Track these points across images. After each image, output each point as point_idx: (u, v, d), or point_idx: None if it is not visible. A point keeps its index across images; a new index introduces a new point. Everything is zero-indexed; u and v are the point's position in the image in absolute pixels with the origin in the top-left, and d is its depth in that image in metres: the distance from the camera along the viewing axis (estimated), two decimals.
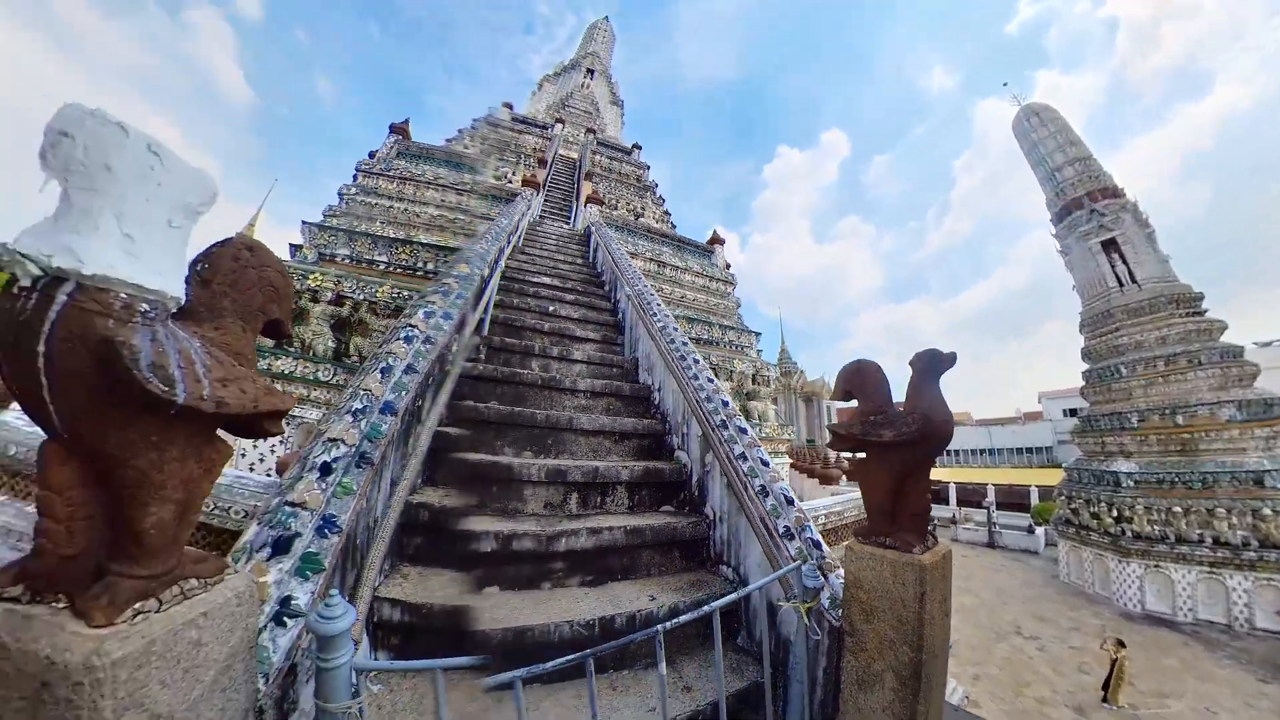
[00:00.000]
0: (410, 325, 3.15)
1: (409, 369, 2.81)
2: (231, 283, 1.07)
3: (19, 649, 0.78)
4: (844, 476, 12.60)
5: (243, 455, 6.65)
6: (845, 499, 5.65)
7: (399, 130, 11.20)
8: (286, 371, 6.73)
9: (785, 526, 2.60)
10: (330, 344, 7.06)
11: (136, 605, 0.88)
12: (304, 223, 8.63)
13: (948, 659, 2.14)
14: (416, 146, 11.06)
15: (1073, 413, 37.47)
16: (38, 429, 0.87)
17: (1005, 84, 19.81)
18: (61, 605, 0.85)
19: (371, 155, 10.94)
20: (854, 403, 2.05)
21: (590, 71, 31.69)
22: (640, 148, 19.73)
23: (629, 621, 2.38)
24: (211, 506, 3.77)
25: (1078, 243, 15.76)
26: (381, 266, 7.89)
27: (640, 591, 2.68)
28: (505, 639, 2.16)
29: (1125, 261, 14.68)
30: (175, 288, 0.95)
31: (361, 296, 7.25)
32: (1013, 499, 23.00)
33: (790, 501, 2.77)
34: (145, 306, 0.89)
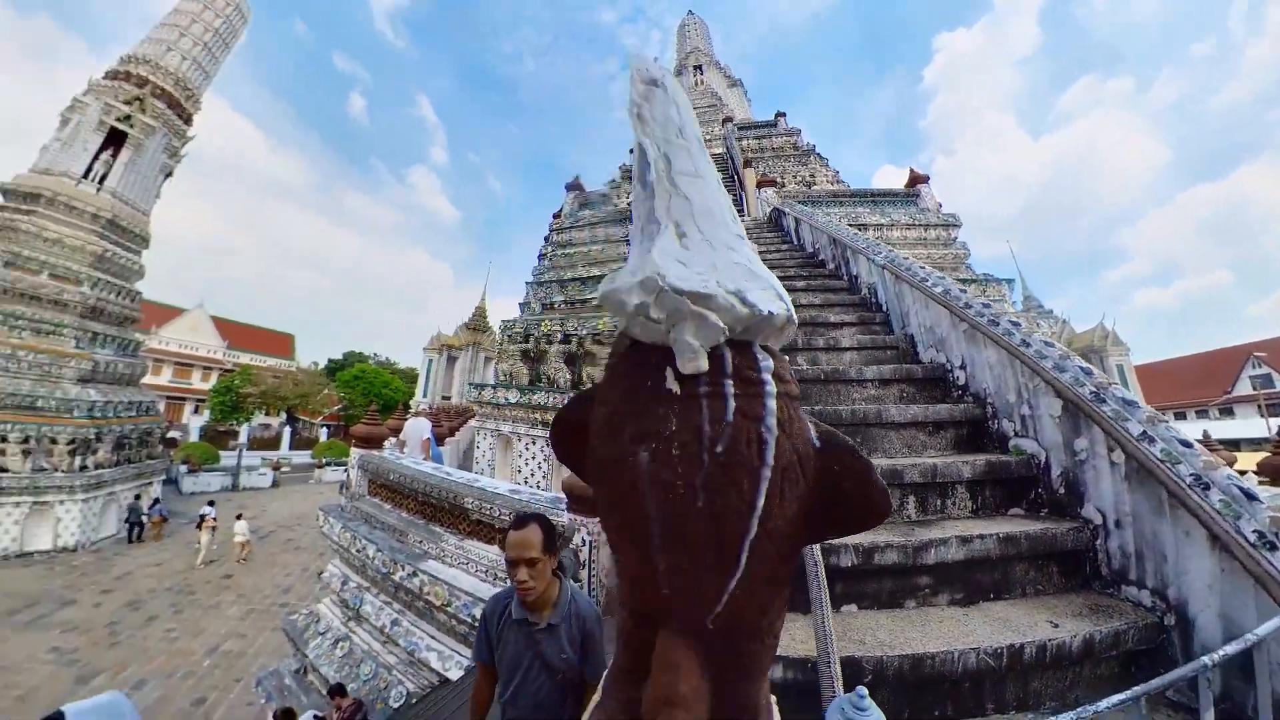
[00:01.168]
0: None
1: None
2: None
3: None
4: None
5: (518, 471, 7.95)
6: None
7: (574, 187, 12.45)
8: (541, 403, 7.80)
9: (1256, 532, 1.87)
10: (568, 376, 7.97)
11: None
12: (526, 282, 10.14)
13: None
14: (595, 195, 12.18)
15: None
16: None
17: None
18: None
19: (556, 215, 12.43)
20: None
21: (698, 68, 31.20)
22: (784, 115, 18.31)
23: (1039, 652, 2.01)
24: (486, 509, 4.63)
25: None
26: (594, 303, 8.67)
27: (1030, 615, 2.24)
28: (900, 667, 1.94)
29: None
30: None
31: (585, 331, 8.02)
32: None
33: (1251, 496, 2.02)
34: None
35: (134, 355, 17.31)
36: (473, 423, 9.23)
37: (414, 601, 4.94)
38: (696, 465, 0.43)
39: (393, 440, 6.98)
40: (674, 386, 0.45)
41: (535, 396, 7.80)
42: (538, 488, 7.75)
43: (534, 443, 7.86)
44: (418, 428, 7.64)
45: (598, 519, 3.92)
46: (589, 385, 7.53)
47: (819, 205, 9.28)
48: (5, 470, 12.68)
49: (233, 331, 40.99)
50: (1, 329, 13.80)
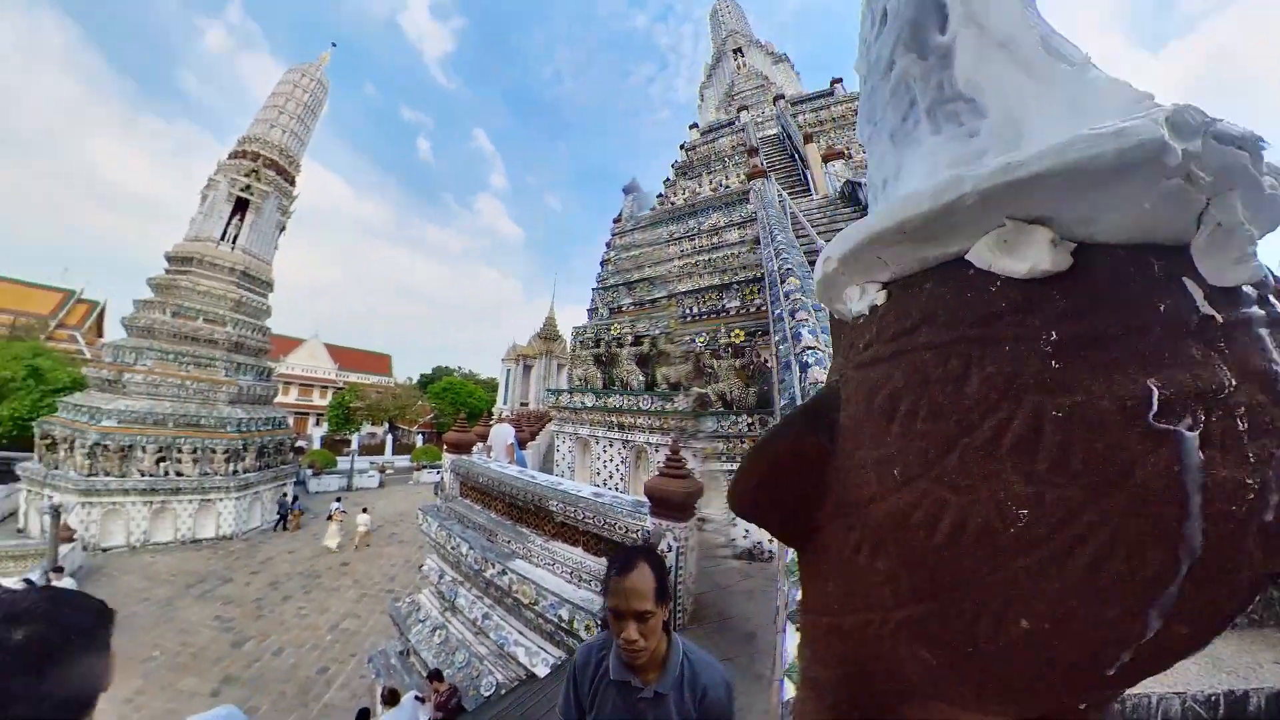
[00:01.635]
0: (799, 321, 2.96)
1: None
2: None
3: None
4: None
5: (597, 474, 8.02)
6: None
7: (631, 189, 12.48)
8: (617, 406, 7.80)
9: None
10: (640, 378, 7.89)
11: None
12: (592, 289, 10.28)
13: None
14: (651, 196, 12.14)
15: None
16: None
17: None
18: None
19: (616, 220, 12.55)
20: None
21: (737, 51, 29.96)
22: (840, 81, 17.07)
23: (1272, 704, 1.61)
24: (570, 512, 4.66)
25: None
26: (663, 302, 8.57)
27: (1246, 653, 1.65)
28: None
29: None
30: None
31: (656, 331, 7.91)
32: None
33: None
34: None
35: (268, 380, 20.24)
36: (551, 426, 9.51)
37: (503, 598, 5.13)
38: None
39: (480, 445, 7.37)
40: (1210, 311, 0.25)
41: (610, 399, 7.88)
42: (617, 490, 7.82)
43: (610, 445, 7.92)
44: (502, 433, 8.00)
45: (684, 523, 3.85)
46: (664, 387, 7.41)
47: None
48: (181, 474, 15.45)
49: (342, 355, 46.33)
50: (173, 364, 16.79)
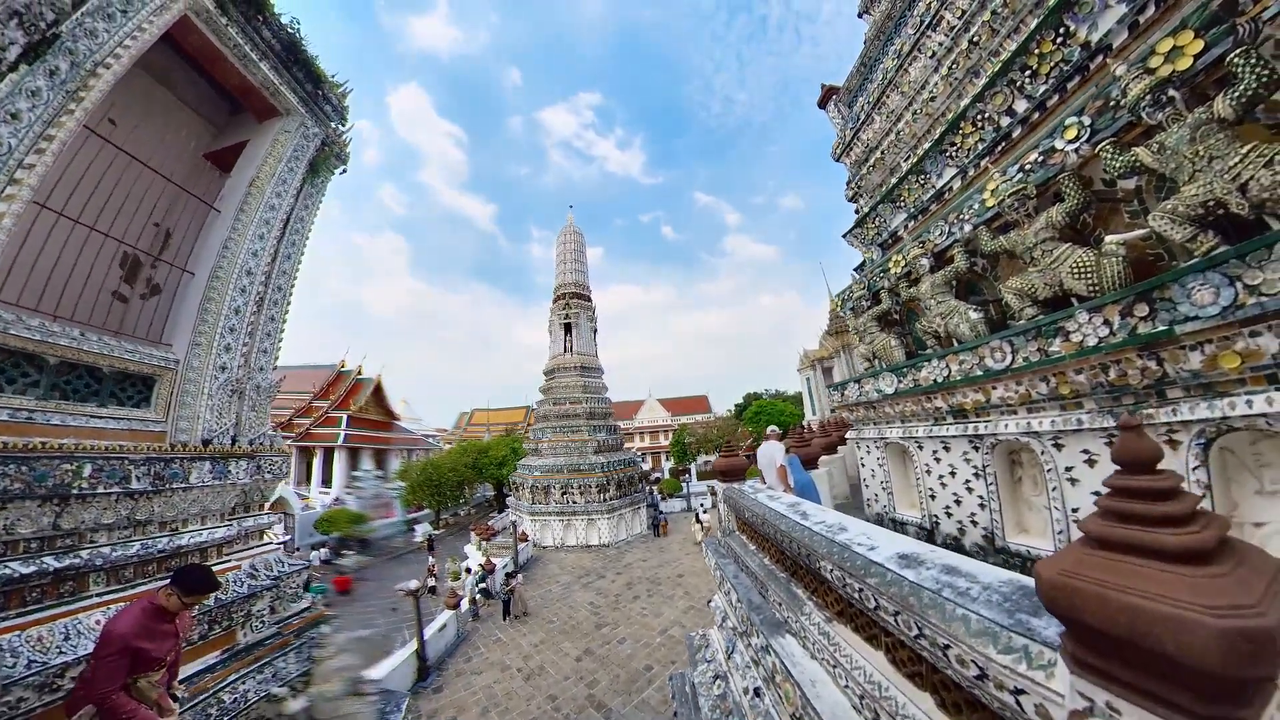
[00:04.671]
0: None
1: None
2: None
3: None
4: None
5: (930, 497, 4.54)
6: None
7: (830, 90, 8.71)
8: (941, 378, 4.43)
9: None
10: (974, 316, 4.36)
11: None
12: (848, 236, 7.17)
13: None
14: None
15: None
16: None
17: None
18: None
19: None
20: None
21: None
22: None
23: None
24: (852, 586, 2.00)
25: None
26: (957, 169, 4.84)
27: None
28: None
29: None
30: None
31: (967, 226, 4.32)
32: None
33: None
34: None
35: (615, 434, 25.25)
36: (850, 434, 6.62)
37: (769, 681, 2.94)
38: None
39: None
40: None
41: (925, 370, 4.56)
42: (972, 527, 4.20)
43: (947, 449, 4.47)
44: (768, 453, 5.87)
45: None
46: (1027, 310, 3.16)
47: None
48: (574, 502, 21.42)
49: (671, 404, 54.51)
50: (561, 434, 23.20)
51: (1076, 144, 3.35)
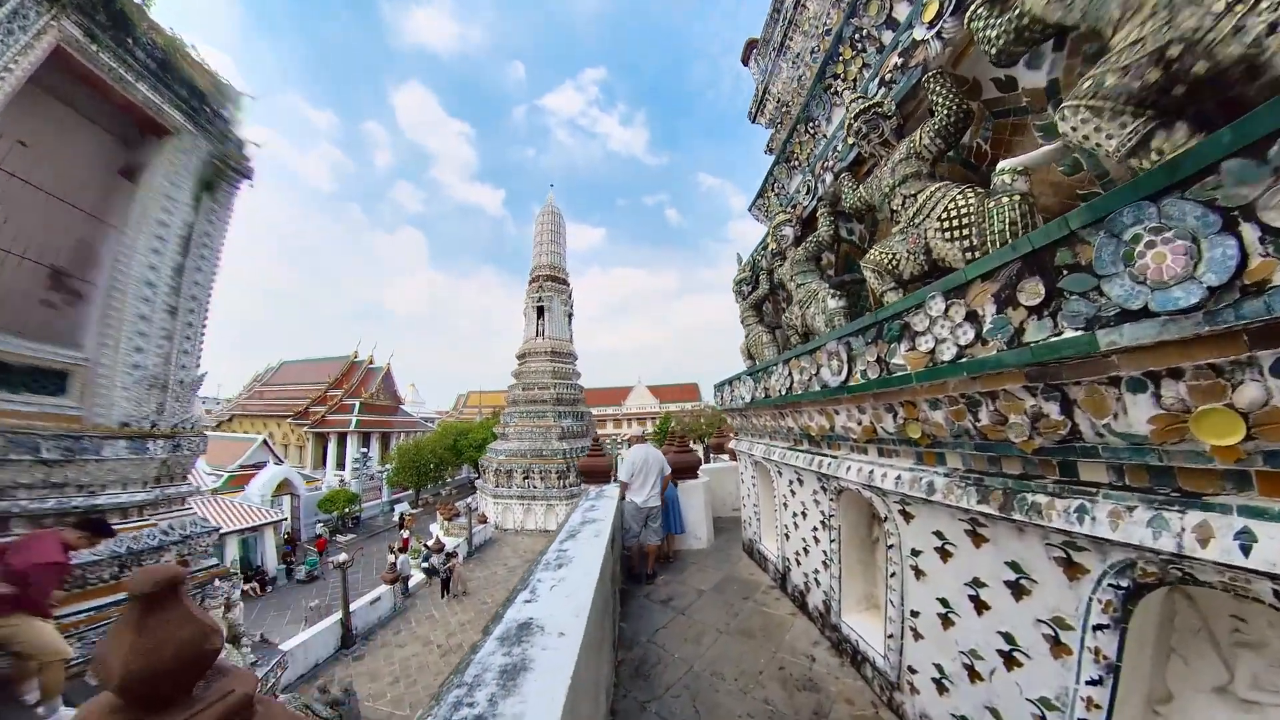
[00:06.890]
0: None
1: None
2: None
3: None
4: None
5: (785, 535, 3.34)
6: None
7: (750, 44, 7.22)
8: (786, 390, 3.20)
9: None
10: (835, 305, 3.12)
11: None
12: (752, 208, 5.84)
13: None
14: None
15: None
16: None
17: None
18: None
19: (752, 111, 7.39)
20: None
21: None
22: None
23: None
24: None
25: None
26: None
27: None
28: None
29: None
30: None
31: (852, 194, 3.11)
32: None
33: None
34: None
35: (582, 420, 23.98)
36: (731, 443, 5.44)
37: None
38: None
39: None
40: None
41: (774, 376, 3.35)
42: (815, 586, 3.02)
43: (800, 481, 3.28)
44: (646, 457, 4.72)
45: None
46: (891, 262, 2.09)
47: None
48: (536, 486, 20.43)
49: (660, 391, 53.22)
50: (527, 419, 22.09)
51: (938, 26, 2.05)
